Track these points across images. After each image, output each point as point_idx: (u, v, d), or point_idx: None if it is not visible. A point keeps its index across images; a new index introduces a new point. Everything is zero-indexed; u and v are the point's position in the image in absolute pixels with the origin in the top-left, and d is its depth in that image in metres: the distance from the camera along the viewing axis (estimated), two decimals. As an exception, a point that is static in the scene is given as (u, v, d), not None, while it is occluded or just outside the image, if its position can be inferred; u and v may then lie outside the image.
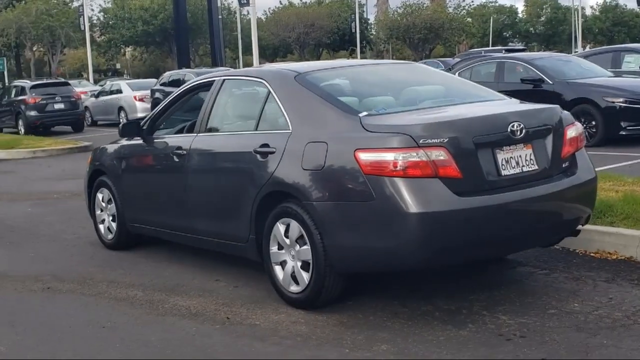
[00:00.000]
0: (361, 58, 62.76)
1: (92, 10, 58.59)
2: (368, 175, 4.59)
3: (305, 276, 5.04)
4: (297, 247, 5.07)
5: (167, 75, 26.36)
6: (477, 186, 4.68)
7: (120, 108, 25.95)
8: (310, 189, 4.91)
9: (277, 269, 5.27)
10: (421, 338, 4.51)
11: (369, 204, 4.61)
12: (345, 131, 4.88)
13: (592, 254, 6.12)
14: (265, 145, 5.30)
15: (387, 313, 4.98)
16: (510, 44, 78.08)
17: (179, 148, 6.17)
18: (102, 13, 62.84)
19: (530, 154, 4.95)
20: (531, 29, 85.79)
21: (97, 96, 28.31)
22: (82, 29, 46.94)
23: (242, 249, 5.62)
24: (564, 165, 5.15)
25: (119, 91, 26.59)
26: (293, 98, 5.34)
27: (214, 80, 6.22)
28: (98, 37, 63.41)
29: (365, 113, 4.94)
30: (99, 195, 7.43)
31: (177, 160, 6.18)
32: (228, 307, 5.30)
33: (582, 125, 12.53)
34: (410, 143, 4.54)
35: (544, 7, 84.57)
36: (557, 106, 5.34)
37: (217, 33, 45.47)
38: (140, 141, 6.78)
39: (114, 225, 7.23)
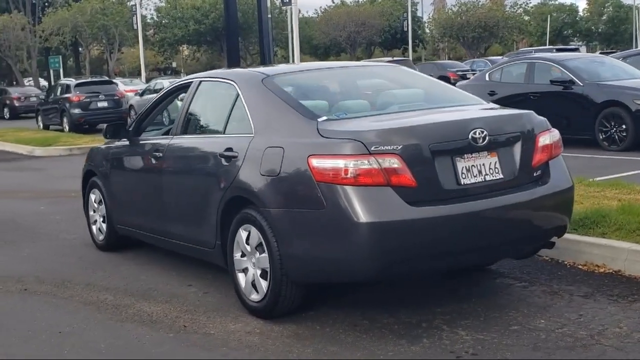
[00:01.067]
0: (414, 57, 62.27)
1: (146, 9, 59.57)
2: (320, 183, 4.44)
3: (264, 285, 4.92)
4: (257, 254, 4.95)
5: None
6: (433, 195, 4.49)
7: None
8: (267, 196, 4.78)
9: (240, 277, 5.16)
10: (369, 352, 4.35)
11: (321, 212, 4.46)
12: (302, 136, 4.74)
13: (580, 266, 5.85)
14: (229, 149, 5.19)
15: (346, 324, 4.82)
16: (570, 43, 76.61)
17: (157, 150, 6.12)
18: (155, 12, 63.71)
19: (495, 162, 4.73)
20: (592, 27, 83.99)
21: (141, 95, 28.62)
22: (135, 27, 47.57)
23: (210, 254, 5.53)
24: (535, 174, 4.91)
25: (160, 89, 26.80)
26: (258, 101, 5.22)
27: (192, 82, 6.14)
28: (152, 37, 64.23)
29: (324, 118, 4.78)
30: (92, 196, 7.43)
31: (154, 162, 6.13)
32: (190, 315, 5.21)
33: (612, 129, 12.28)
34: (361, 150, 4.37)
35: (606, 5, 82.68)
36: (529, 112, 5.10)
37: (266, 32, 45.28)
38: (127, 143, 6.75)
39: (104, 226, 7.22)
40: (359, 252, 4.38)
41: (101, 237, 7.31)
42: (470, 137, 4.59)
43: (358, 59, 50.86)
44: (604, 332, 4.46)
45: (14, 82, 53.96)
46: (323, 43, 66.03)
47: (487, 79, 15.05)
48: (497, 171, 4.72)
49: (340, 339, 4.59)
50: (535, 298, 5.17)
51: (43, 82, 56.26)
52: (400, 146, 4.41)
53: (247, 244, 5.02)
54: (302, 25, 66.86)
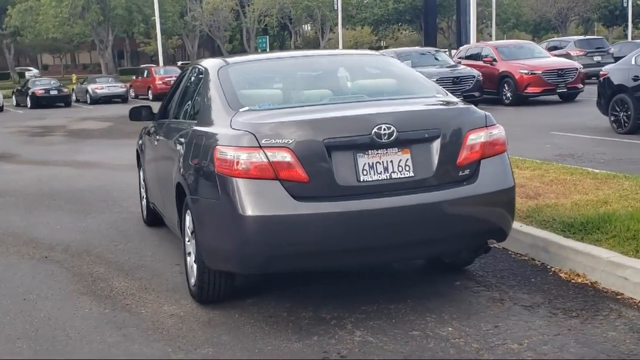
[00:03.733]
0: (635, 34, 58.01)
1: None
2: (218, 174, 4.51)
3: (195, 270, 5.06)
4: (193, 240, 5.10)
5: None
6: (327, 191, 4.38)
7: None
8: (190, 183, 4.93)
9: (188, 260, 5.33)
10: (252, 345, 4.37)
11: (217, 203, 4.53)
12: (218, 126, 4.81)
13: (561, 274, 5.40)
14: (181, 135, 5.37)
15: (265, 315, 4.87)
16: None
17: (157, 133, 6.44)
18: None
19: (407, 160, 4.50)
20: None
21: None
22: (335, 8, 48.56)
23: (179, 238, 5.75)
24: (461, 174, 4.60)
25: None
26: (209, 89, 5.33)
27: (189, 68, 6.37)
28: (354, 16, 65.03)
29: (245, 109, 4.81)
30: (140, 174, 7.92)
31: (156, 143, 6.46)
32: (144, 294, 5.46)
33: None
34: (252, 143, 4.38)
35: None
36: (463, 108, 4.78)
37: (465, 9, 44.55)
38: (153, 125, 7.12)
39: (143, 203, 7.70)
40: (244, 244, 4.40)
41: (145, 213, 7.79)
42: (373, 133, 4.41)
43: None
44: (497, 347, 4.14)
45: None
46: (533, 20, 63.40)
47: (633, 62, 13.85)
48: (407, 169, 4.49)
49: (245, 330, 4.63)
50: (474, 304, 4.87)
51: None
52: (292, 140, 4.35)
53: (189, 228, 5.18)
54: (509, 1, 64.75)
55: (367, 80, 5.52)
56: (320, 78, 5.59)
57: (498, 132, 4.77)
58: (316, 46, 67.41)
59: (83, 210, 8.81)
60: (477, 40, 33.52)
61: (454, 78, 20.65)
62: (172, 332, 4.64)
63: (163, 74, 37.39)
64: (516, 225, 6.12)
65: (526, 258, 5.85)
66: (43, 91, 35.12)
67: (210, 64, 5.71)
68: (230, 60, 5.73)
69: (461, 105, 4.89)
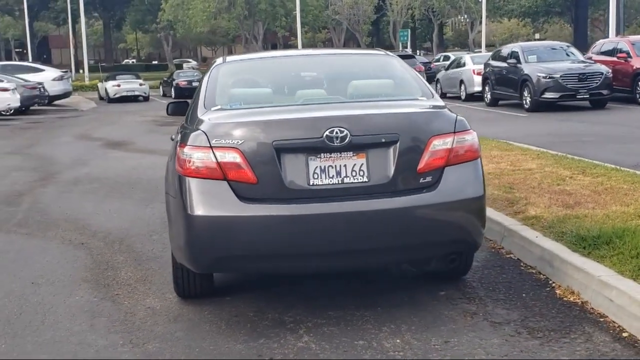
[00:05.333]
0: None
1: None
2: (177, 172, 4.57)
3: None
4: None
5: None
6: (275, 194, 4.34)
7: (461, 81, 26.14)
8: (165, 179, 5.03)
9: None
10: (197, 344, 4.39)
11: (175, 200, 4.61)
12: (189, 124, 4.88)
13: (558, 291, 5.07)
14: (176, 131, 5.49)
15: (233, 314, 4.87)
16: None
17: None
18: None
19: (362, 165, 4.36)
20: None
21: (447, 69, 28.79)
22: (480, 0, 47.48)
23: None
24: (423, 180, 4.41)
25: (463, 64, 26.71)
26: (199, 87, 5.41)
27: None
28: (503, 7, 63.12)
29: (217, 107, 4.85)
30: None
31: None
32: (141, 284, 5.60)
33: None
34: (204, 142, 4.41)
35: None
36: (429, 112, 4.59)
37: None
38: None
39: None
40: (192, 244, 4.45)
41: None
42: (325, 136, 4.31)
43: None
44: (428, 364, 3.96)
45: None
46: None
47: None
48: (361, 174, 4.36)
49: (202, 327, 4.66)
50: (441, 316, 4.66)
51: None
52: (242, 141, 4.34)
53: None
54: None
55: (354, 82, 5.38)
56: (305, 78, 5.53)
57: (470, 138, 4.53)
58: (466, 39, 66.34)
59: (149, 199, 9.15)
60: (624, 35, 31.68)
61: (579, 75, 19.65)
62: (136, 325, 4.75)
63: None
64: (532, 235, 5.83)
65: (533, 272, 5.53)
66: (186, 82, 36.61)
67: (215, 62, 5.78)
68: (230, 58, 5.78)
69: (430, 109, 4.68)
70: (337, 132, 4.31)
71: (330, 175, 4.35)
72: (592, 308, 4.69)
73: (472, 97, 24.93)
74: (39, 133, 20.05)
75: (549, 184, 7.77)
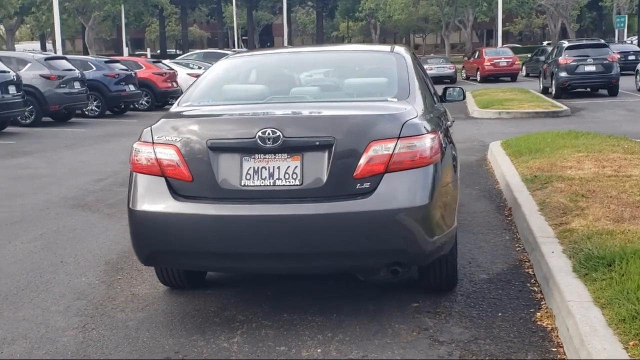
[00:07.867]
0: None
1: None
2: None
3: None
4: None
5: None
6: (208, 193, 4.32)
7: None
8: None
9: None
10: (138, 335, 4.51)
11: (128, 194, 4.72)
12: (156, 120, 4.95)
13: (538, 314, 4.64)
14: None
15: (193, 308, 4.94)
16: None
17: None
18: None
19: (296, 167, 4.21)
20: None
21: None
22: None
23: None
24: (358, 187, 4.18)
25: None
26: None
27: None
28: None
29: (187, 104, 4.91)
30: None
31: None
32: (146, 270, 5.76)
33: None
34: (147, 138, 4.49)
35: None
36: (366, 114, 4.31)
37: None
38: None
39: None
40: (132, 236, 4.56)
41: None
42: (257, 137, 4.22)
43: None
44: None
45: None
46: None
47: None
48: (294, 177, 4.21)
49: (157, 319, 4.74)
50: (387, 329, 4.41)
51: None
52: (179, 138, 4.37)
53: None
54: None
55: (335, 80, 5.19)
56: (288, 76, 5.40)
57: (420, 144, 4.22)
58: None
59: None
60: None
61: None
62: (104, 311, 4.94)
63: (493, 55, 36.91)
64: (548, 251, 5.35)
65: (535, 290, 5.08)
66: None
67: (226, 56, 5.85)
68: (237, 53, 5.80)
69: (374, 113, 4.40)
70: (269, 133, 4.20)
71: (263, 177, 4.26)
72: (557, 336, 4.23)
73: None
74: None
75: (631, 194, 6.98)
